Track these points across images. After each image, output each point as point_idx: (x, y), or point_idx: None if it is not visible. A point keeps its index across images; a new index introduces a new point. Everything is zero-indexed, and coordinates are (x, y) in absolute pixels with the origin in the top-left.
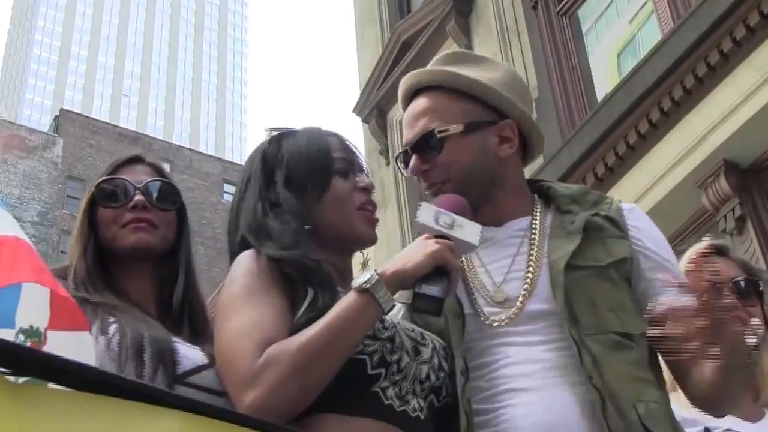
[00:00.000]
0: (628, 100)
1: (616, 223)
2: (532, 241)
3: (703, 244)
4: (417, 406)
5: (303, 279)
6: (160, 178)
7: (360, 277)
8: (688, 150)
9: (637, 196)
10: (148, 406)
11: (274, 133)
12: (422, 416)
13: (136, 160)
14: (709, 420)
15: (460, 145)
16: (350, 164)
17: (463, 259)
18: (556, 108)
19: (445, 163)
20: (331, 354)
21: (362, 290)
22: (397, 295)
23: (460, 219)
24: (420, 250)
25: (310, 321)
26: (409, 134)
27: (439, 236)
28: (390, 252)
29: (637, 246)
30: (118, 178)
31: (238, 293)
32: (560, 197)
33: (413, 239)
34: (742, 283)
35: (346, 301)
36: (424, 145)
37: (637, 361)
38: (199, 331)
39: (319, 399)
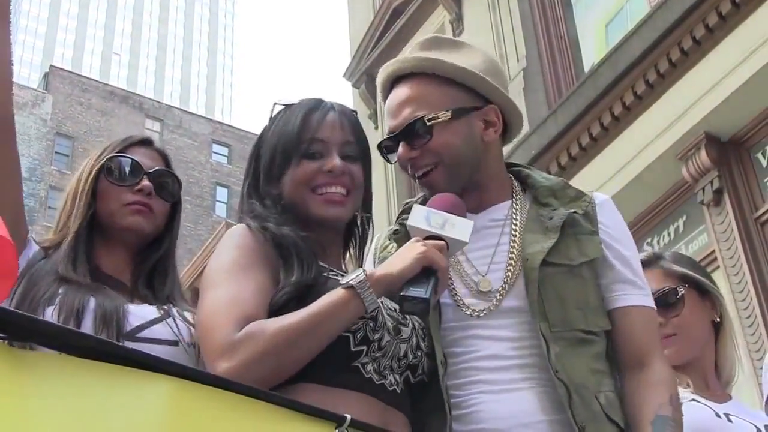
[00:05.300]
0: (614, 72)
1: (590, 218)
2: (513, 233)
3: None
4: (394, 380)
5: (285, 253)
6: (169, 170)
7: (349, 275)
8: (671, 122)
9: (619, 167)
10: (140, 372)
11: (277, 108)
12: (398, 390)
13: (146, 143)
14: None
15: (449, 130)
16: (325, 145)
17: None
18: (544, 77)
19: (435, 149)
20: (308, 342)
21: (349, 287)
22: None
23: (452, 218)
24: (407, 254)
25: (285, 296)
26: (394, 122)
27: (431, 236)
28: (375, 214)
29: (603, 239)
30: (131, 157)
31: (224, 266)
32: (539, 189)
33: (397, 203)
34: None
35: (333, 295)
36: (413, 132)
37: (597, 355)
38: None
39: (302, 370)
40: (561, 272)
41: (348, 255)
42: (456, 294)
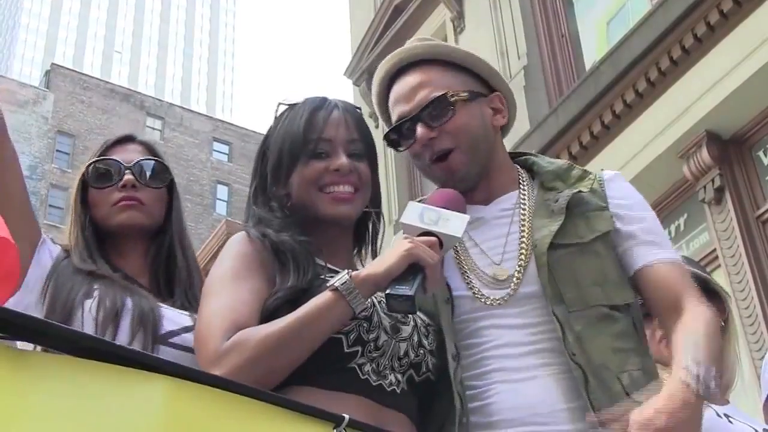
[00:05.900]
0: (615, 70)
1: (598, 195)
2: (523, 221)
3: None
4: (394, 380)
5: (283, 258)
6: (151, 157)
7: (336, 277)
8: (672, 120)
9: (620, 165)
10: (138, 371)
11: (282, 108)
12: (399, 390)
13: (127, 139)
14: None
15: (468, 111)
16: (331, 144)
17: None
18: (545, 75)
19: (456, 129)
20: (295, 347)
21: (334, 290)
22: None
23: (445, 213)
24: (393, 252)
25: (278, 300)
26: (408, 105)
27: (424, 233)
28: None
29: (615, 212)
30: (108, 158)
31: (221, 276)
32: (544, 173)
33: (398, 200)
34: None
35: (319, 298)
36: (433, 111)
37: (621, 332)
38: (195, 299)
39: (296, 373)
40: (572, 252)
41: (361, 252)
42: (473, 286)
